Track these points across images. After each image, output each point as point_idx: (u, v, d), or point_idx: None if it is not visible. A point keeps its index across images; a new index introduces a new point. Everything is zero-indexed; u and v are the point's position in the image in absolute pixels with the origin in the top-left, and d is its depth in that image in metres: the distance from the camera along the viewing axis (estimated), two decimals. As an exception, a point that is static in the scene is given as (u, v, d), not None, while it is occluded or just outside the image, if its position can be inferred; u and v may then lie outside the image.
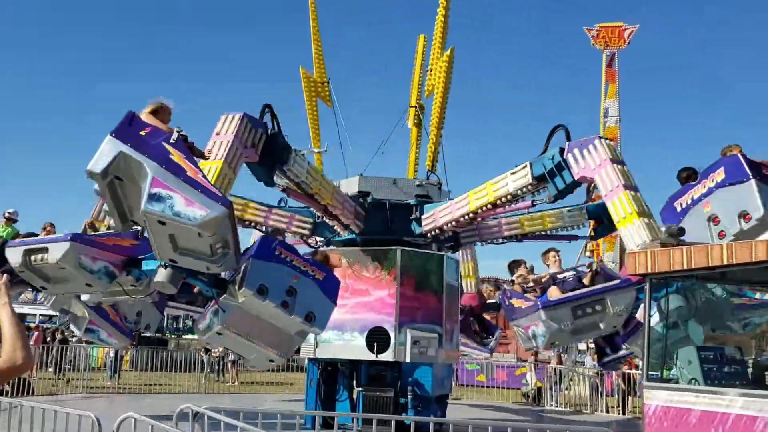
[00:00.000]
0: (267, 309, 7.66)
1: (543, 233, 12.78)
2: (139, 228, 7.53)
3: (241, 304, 7.64)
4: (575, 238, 13.23)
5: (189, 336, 34.90)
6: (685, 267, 6.43)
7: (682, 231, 6.72)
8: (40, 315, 40.79)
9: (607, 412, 18.84)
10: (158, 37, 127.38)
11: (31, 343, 23.31)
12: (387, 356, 10.98)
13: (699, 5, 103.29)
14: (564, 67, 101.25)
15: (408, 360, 11.03)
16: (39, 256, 8.39)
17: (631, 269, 6.78)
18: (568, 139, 9.46)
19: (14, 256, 8.56)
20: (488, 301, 15.63)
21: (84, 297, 10.31)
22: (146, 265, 8.14)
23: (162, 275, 7.40)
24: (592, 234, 12.66)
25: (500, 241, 12.97)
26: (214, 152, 8.28)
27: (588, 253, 36.85)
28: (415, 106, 13.84)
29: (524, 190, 9.87)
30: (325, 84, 13.91)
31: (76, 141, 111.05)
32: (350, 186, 12.07)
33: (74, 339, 30.37)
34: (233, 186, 8.57)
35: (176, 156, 6.60)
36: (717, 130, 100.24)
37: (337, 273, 11.55)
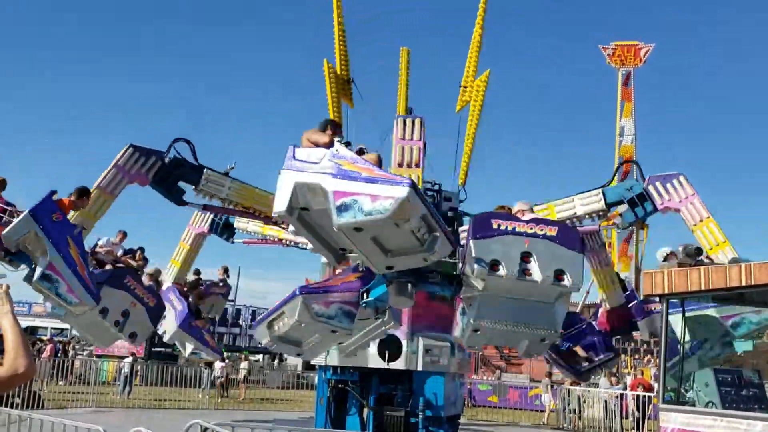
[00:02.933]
0: (511, 284, 7.16)
1: None
2: (351, 254, 7.25)
3: (485, 288, 7.19)
4: None
5: (199, 351, 34.82)
6: (703, 288, 6.34)
7: (699, 251, 6.64)
8: (52, 328, 41.04)
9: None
10: (162, 36, 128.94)
11: (44, 355, 23.39)
12: (398, 364, 10.89)
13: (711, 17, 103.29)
14: (578, 83, 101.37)
15: (420, 368, 10.93)
16: (280, 323, 8.28)
17: (648, 289, 6.68)
18: (641, 172, 10.86)
19: (261, 333, 8.49)
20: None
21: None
22: (375, 293, 7.93)
23: (394, 291, 7.33)
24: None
25: None
26: (410, 159, 8.65)
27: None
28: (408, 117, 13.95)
29: (592, 215, 10.67)
30: (349, 83, 13.55)
31: (78, 139, 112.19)
32: None
33: (85, 353, 30.50)
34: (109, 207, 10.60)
35: (347, 164, 6.43)
36: (735, 147, 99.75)
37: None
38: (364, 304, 8.02)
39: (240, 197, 11.31)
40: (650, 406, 17.66)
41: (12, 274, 10.24)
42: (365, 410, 11.21)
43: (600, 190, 10.63)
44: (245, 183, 11.65)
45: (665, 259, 9.61)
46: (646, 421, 18.34)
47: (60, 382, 21.69)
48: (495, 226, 7.28)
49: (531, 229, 7.36)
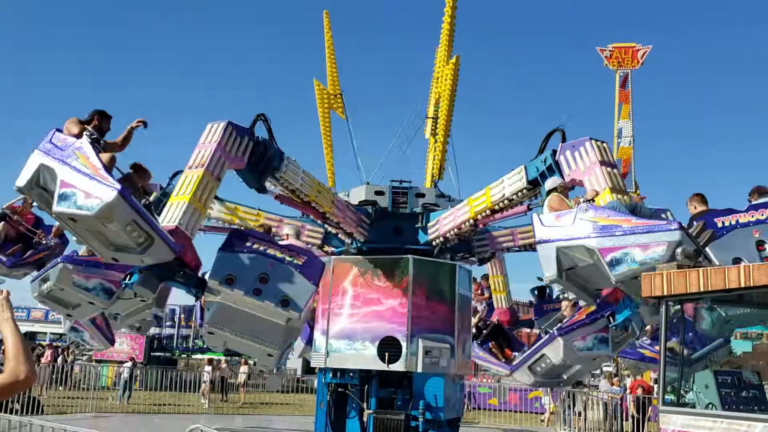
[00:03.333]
0: (240, 299, 7.64)
1: None
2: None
3: (222, 299, 7.67)
4: None
5: (199, 356, 34.82)
6: (702, 289, 6.33)
7: (698, 253, 6.64)
8: (51, 333, 40.97)
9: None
10: (161, 39, 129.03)
11: (43, 361, 23.34)
12: (398, 366, 10.89)
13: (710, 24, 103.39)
14: (578, 84, 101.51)
15: (420, 370, 10.93)
16: (46, 285, 9.50)
17: (647, 291, 6.68)
18: (564, 141, 9.07)
19: (33, 288, 9.72)
20: (521, 318, 15.59)
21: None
22: (133, 278, 8.24)
23: (137, 281, 7.80)
24: None
25: (515, 250, 13.06)
26: (197, 161, 8.53)
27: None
28: (433, 118, 13.77)
29: (520, 194, 9.66)
30: (339, 96, 13.98)
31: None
32: (359, 194, 12.13)
33: (84, 358, 30.44)
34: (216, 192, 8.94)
35: (82, 158, 6.96)
36: (732, 150, 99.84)
37: (348, 281, 11.61)
38: (123, 285, 8.67)
39: (309, 189, 10.35)
40: (650, 408, 17.66)
41: (10, 280, 10.34)
42: (365, 414, 11.21)
43: (523, 166, 9.51)
44: (311, 175, 10.67)
45: (553, 190, 8.22)
46: (646, 423, 18.34)
47: (59, 388, 21.66)
48: (248, 243, 7.86)
49: (281, 253, 7.92)
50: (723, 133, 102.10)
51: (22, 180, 6.99)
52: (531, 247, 12.77)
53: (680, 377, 7.02)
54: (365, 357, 11.08)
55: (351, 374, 11.33)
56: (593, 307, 10.27)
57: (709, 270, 6.31)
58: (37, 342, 36.32)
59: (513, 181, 9.71)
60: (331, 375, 11.52)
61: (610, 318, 10.38)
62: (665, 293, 6.59)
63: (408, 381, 11.16)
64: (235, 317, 7.80)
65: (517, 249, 13.01)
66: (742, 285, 6.00)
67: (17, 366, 2.43)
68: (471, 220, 10.51)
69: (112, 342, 12.40)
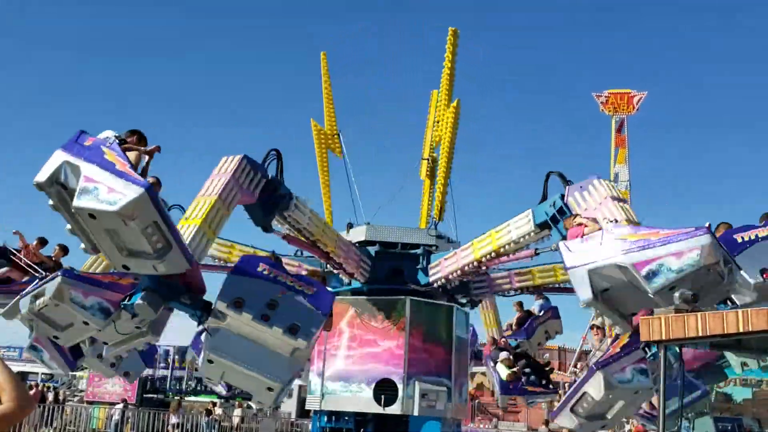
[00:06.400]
0: (248, 323, 7.26)
1: (555, 285, 12.88)
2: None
3: (227, 324, 7.29)
4: None
5: (192, 398, 34.30)
6: (700, 334, 6.30)
7: (696, 297, 6.63)
8: (43, 374, 40.37)
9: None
10: (163, 77, 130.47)
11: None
12: (394, 409, 10.75)
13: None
14: (574, 129, 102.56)
15: (416, 413, 10.79)
16: (40, 300, 8.43)
17: (645, 335, 6.64)
18: (565, 183, 9.55)
19: (24, 305, 8.57)
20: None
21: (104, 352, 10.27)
22: (134, 299, 7.91)
23: (140, 298, 7.44)
24: None
25: (511, 293, 13.00)
26: (210, 188, 8.61)
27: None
28: (428, 159, 13.92)
29: (527, 237, 9.95)
30: (336, 136, 14.21)
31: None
32: (358, 234, 12.13)
33: (76, 399, 29.98)
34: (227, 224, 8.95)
35: (110, 155, 6.78)
36: (732, 194, 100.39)
37: (345, 322, 11.52)
38: (122, 306, 8.15)
39: (315, 229, 10.53)
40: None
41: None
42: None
43: (530, 210, 9.87)
44: (317, 215, 10.95)
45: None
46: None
47: (43, 429, 21.22)
48: (259, 269, 7.60)
49: (291, 282, 7.57)
50: (722, 173, 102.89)
51: (42, 175, 6.70)
52: (528, 290, 12.79)
53: (680, 423, 6.94)
54: (361, 399, 10.95)
55: (346, 417, 11.17)
56: (626, 339, 9.75)
57: (708, 315, 6.29)
58: (27, 382, 35.80)
59: (520, 225, 9.94)
60: (326, 419, 11.37)
61: (646, 349, 9.76)
62: (664, 338, 6.55)
63: (404, 424, 11.01)
64: (238, 345, 7.41)
65: (513, 292, 13.04)
66: (741, 330, 5.97)
67: (13, 396, 2.39)
68: (475, 263, 10.58)
69: (72, 366, 10.99)
